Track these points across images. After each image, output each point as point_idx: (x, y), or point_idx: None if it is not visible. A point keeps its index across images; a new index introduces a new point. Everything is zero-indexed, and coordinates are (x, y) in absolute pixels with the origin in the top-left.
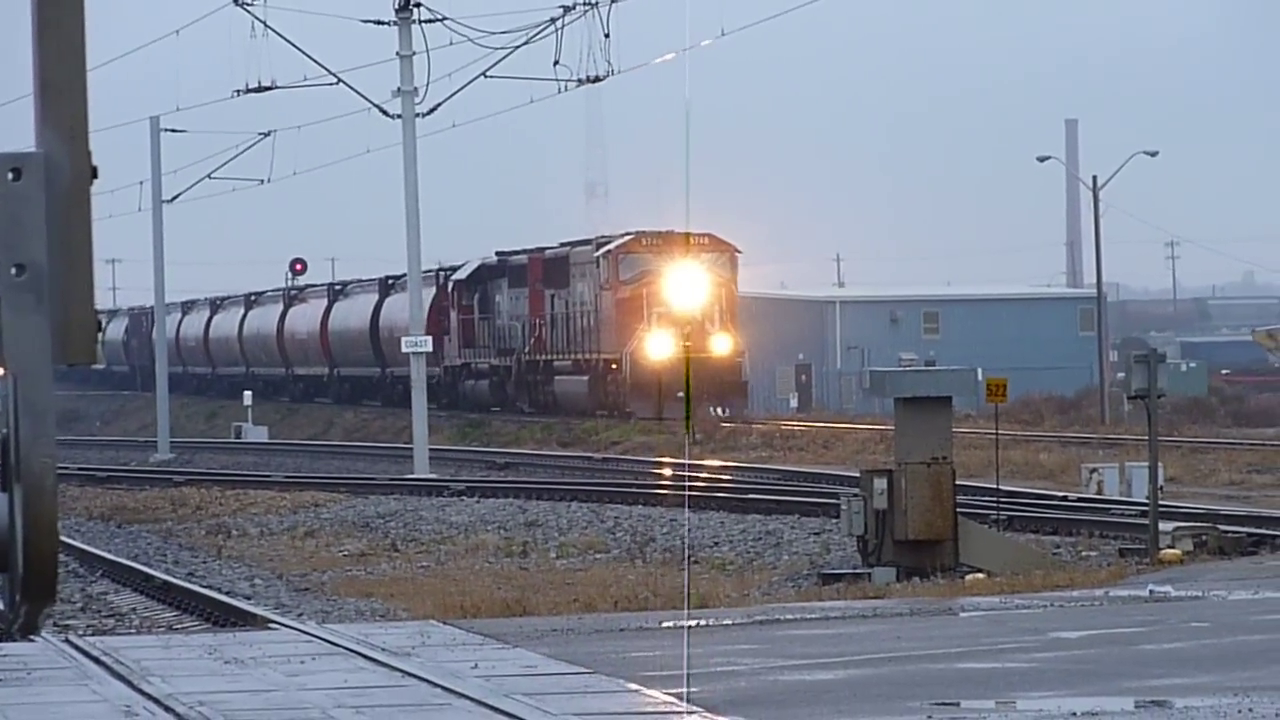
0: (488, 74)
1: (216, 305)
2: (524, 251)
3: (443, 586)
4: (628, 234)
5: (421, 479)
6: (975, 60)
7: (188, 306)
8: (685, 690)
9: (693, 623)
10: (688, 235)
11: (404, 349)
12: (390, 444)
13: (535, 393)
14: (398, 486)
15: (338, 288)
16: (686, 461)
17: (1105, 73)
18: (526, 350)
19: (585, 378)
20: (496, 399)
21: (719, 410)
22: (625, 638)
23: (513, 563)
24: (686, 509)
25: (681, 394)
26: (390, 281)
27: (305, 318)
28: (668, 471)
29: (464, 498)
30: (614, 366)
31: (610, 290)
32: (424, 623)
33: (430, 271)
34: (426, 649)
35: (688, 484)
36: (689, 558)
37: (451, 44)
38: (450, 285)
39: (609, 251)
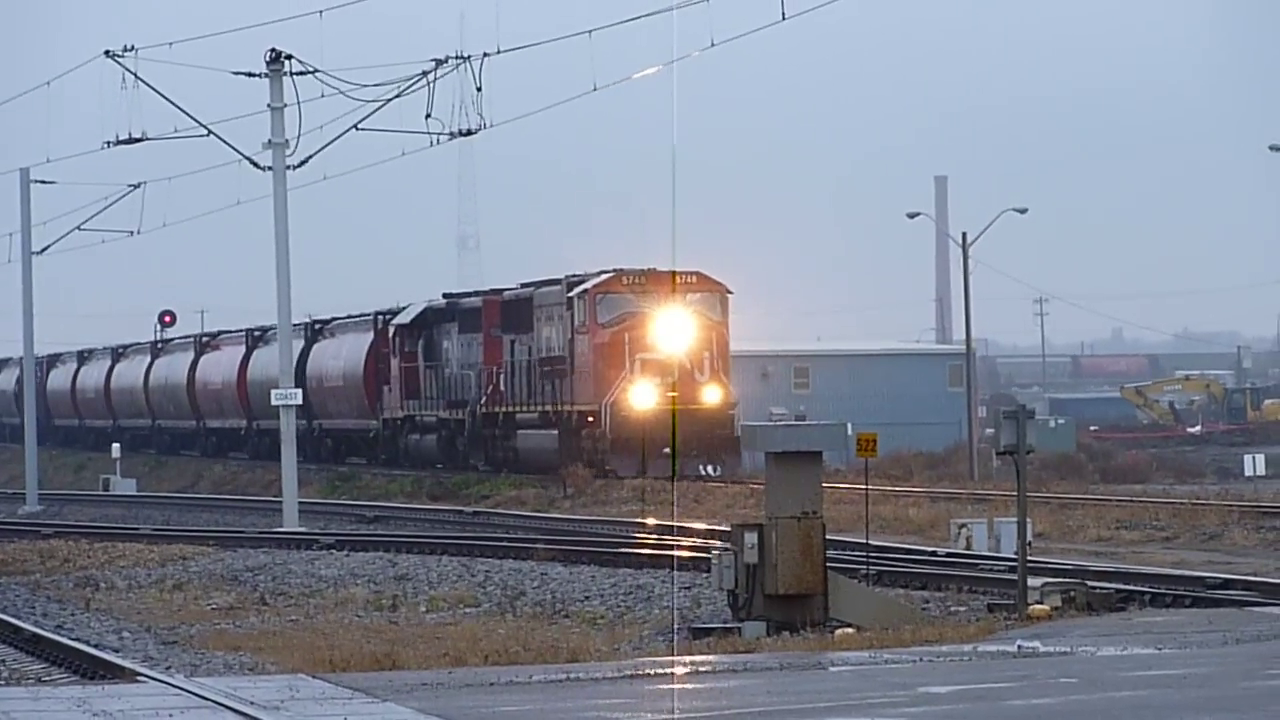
0: (359, 126)
1: (119, 354)
2: (476, 294)
3: (311, 640)
4: (605, 272)
5: (290, 532)
6: (847, 115)
7: (85, 355)
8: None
9: (563, 676)
10: (674, 274)
11: (273, 401)
12: (259, 497)
13: (493, 449)
14: (266, 540)
15: (256, 334)
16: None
17: (975, 129)
18: (482, 402)
19: (555, 432)
20: (445, 455)
21: (709, 469)
22: (495, 692)
23: (382, 616)
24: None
25: (667, 450)
26: (318, 326)
27: (219, 366)
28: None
29: (333, 551)
30: (590, 419)
31: (586, 334)
32: (293, 676)
33: (366, 316)
34: (296, 702)
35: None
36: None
37: (323, 96)
38: (391, 331)
39: (585, 291)
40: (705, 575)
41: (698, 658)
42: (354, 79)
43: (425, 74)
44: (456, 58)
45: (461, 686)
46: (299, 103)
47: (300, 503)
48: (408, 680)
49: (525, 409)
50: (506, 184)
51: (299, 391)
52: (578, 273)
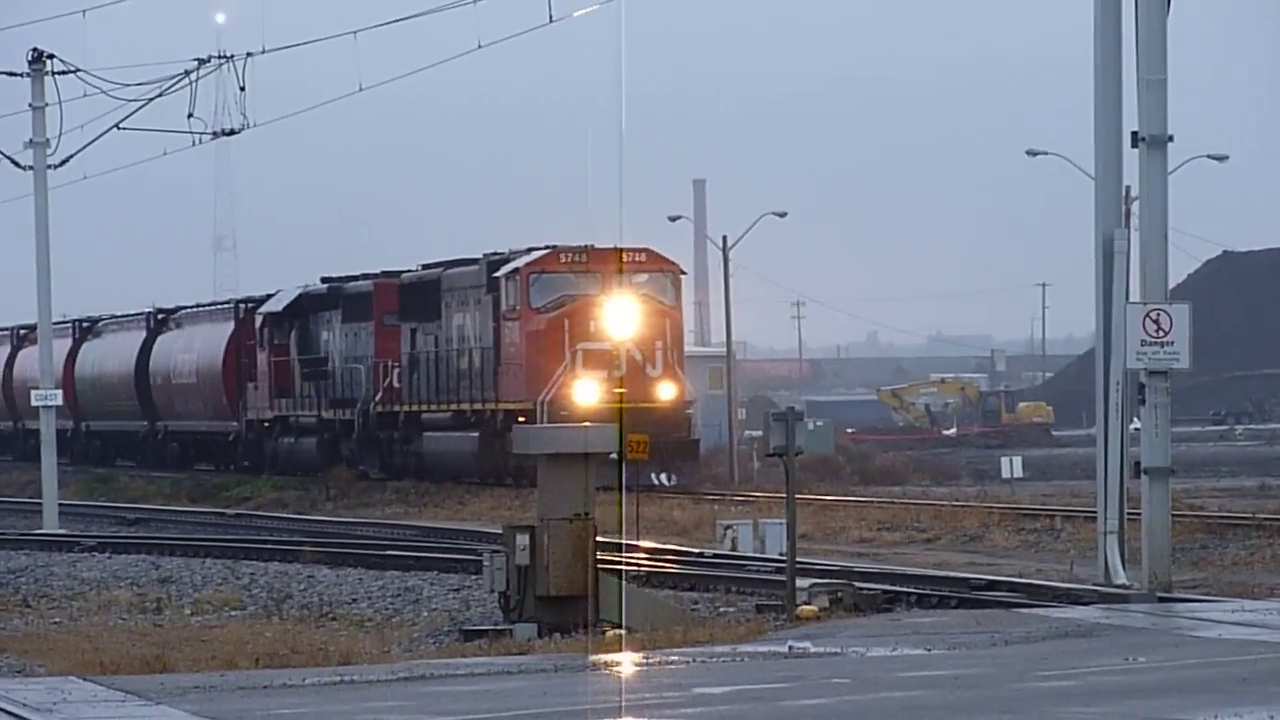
0: (121, 126)
1: None
2: (365, 277)
3: (77, 643)
4: (537, 249)
5: (51, 534)
6: (605, 118)
7: None
8: None
9: (337, 679)
10: (619, 250)
11: (34, 402)
12: (15, 499)
13: (391, 454)
14: (27, 542)
15: (85, 325)
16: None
17: (735, 133)
18: (376, 401)
19: (475, 434)
20: (326, 460)
21: (663, 477)
22: (268, 695)
23: (146, 619)
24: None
25: (614, 456)
26: (162, 316)
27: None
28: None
29: (95, 554)
30: (522, 420)
31: (517, 320)
32: (63, 679)
33: (225, 304)
34: (68, 705)
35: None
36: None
37: (85, 96)
38: (259, 320)
39: (516, 270)
40: (475, 577)
41: (470, 660)
42: (117, 78)
43: (188, 73)
44: (219, 57)
45: (234, 689)
46: (60, 102)
47: (59, 504)
48: (180, 683)
49: (434, 408)
50: (269, 183)
51: (59, 393)
52: (498, 250)
